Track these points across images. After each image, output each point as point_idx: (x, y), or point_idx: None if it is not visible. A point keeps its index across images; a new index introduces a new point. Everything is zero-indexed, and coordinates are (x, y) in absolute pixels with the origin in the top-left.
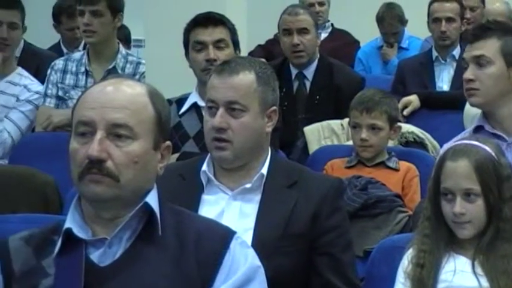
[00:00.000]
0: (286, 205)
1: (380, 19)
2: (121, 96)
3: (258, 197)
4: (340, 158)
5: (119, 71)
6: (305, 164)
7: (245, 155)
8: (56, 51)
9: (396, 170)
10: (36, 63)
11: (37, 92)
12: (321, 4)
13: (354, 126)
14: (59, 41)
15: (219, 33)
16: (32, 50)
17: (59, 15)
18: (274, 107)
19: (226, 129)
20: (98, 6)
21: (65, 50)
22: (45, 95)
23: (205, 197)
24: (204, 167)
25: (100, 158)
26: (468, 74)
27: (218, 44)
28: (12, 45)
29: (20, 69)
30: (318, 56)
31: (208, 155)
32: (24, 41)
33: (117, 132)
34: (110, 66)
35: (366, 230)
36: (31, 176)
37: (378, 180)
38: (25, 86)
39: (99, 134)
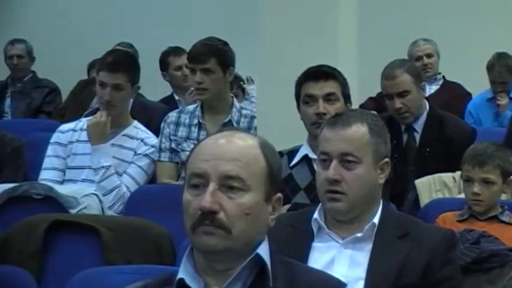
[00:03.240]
0: (398, 255)
1: (490, 67)
2: (233, 149)
3: (369, 246)
4: (452, 211)
5: (234, 125)
6: (416, 216)
7: (358, 206)
8: (169, 101)
9: (510, 224)
10: (147, 115)
11: (153, 146)
12: (429, 56)
13: (466, 180)
14: (172, 93)
15: (330, 87)
16: (142, 103)
17: (165, 58)
18: (387, 159)
19: (340, 181)
20: (208, 64)
21: (176, 97)
22: (160, 150)
23: (315, 245)
24: (316, 215)
25: (212, 209)
26: None
27: (328, 98)
28: (117, 105)
29: (135, 123)
30: (428, 108)
31: (320, 204)
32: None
33: (229, 184)
34: (226, 120)
35: (479, 284)
36: (146, 227)
37: (490, 234)
38: (142, 140)
39: (212, 186)
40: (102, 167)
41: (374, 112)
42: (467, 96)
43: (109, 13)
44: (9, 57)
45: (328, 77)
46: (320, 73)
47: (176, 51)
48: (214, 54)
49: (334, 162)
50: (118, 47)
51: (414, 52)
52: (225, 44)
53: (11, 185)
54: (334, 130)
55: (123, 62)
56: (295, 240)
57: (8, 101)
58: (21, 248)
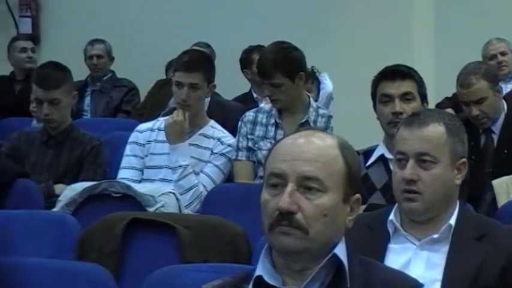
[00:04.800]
0: (475, 257)
1: None
2: (312, 149)
3: (445, 248)
4: None
5: (311, 124)
6: (493, 217)
7: (435, 207)
8: (247, 98)
9: None
10: (223, 115)
11: (230, 145)
12: (503, 54)
13: None
14: (250, 89)
15: (406, 86)
16: (219, 102)
17: (248, 56)
18: (464, 159)
19: (416, 181)
20: (275, 79)
21: (255, 95)
22: (238, 149)
23: (391, 246)
24: (391, 217)
25: (290, 210)
26: None
27: (405, 97)
28: (193, 104)
29: (212, 122)
30: (506, 109)
31: (396, 204)
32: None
33: (307, 184)
34: (303, 120)
35: None
36: (222, 226)
37: None
38: (218, 139)
39: (290, 187)
40: (180, 166)
41: (451, 110)
42: None
43: (186, 13)
44: (89, 57)
45: (405, 76)
46: (397, 72)
47: (260, 48)
48: (280, 68)
49: (411, 162)
50: (195, 47)
51: (488, 51)
52: (291, 50)
53: (91, 183)
54: (411, 129)
55: (198, 61)
56: (371, 242)
57: (87, 100)
58: (100, 245)
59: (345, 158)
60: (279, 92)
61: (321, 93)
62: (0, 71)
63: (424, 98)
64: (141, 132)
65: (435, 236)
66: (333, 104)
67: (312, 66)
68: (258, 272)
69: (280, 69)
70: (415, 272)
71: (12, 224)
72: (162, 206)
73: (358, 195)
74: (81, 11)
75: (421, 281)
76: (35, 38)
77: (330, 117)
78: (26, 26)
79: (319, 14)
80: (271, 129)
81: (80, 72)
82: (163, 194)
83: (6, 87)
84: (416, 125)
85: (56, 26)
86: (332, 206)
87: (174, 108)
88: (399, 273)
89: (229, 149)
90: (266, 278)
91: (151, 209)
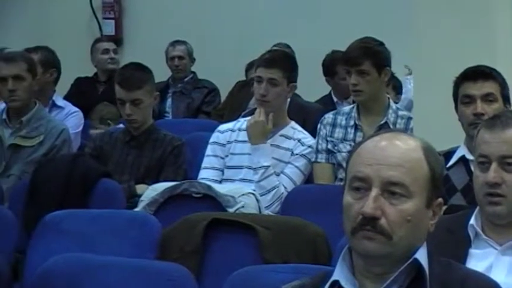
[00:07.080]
0: None
1: None
2: (396, 153)
3: None
4: None
5: (390, 126)
6: None
7: None
8: (327, 101)
9: None
10: (303, 116)
11: (310, 146)
12: None
13: None
14: (330, 92)
15: (488, 87)
16: (299, 104)
17: (333, 66)
18: None
19: (500, 184)
20: (363, 66)
21: (335, 99)
22: (317, 151)
23: (472, 251)
24: (472, 221)
25: (374, 215)
26: None
27: (486, 98)
28: (271, 101)
29: (292, 123)
30: None
31: (477, 208)
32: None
33: (392, 190)
34: (382, 122)
35: None
36: (302, 227)
37: None
38: (299, 140)
39: (374, 191)
40: (262, 166)
41: None
42: None
43: (266, 14)
44: (170, 59)
45: (487, 77)
46: (478, 73)
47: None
48: (369, 56)
49: (494, 165)
50: (275, 48)
51: None
52: (381, 44)
53: (172, 184)
54: (493, 132)
55: (279, 58)
56: (452, 246)
57: (169, 101)
58: (181, 245)
59: (428, 162)
60: (364, 82)
61: (403, 97)
62: (83, 72)
63: (506, 99)
64: (221, 132)
65: None
66: (414, 104)
67: (405, 65)
68: (335, 277)
69: (369, 58)
70: (497, 277)
71: (96, 223)
72: (242, 206)
73: (440, 199)
74: (163, 12)
75: (503, 286)
76: (117, 39)
77: (409, 118)
78: (109, 28)
79: (399, 14)
80: (351, 131)
81: (161, 73)
82: (243, 194)
83: (89, 88)
84: (499, 128)
85: (138, 28)
86: (416, 212)
87: (255, 109)
88: (477, 273)
89: (309, 150)
90: (343, 284)
91: (231, 210)
